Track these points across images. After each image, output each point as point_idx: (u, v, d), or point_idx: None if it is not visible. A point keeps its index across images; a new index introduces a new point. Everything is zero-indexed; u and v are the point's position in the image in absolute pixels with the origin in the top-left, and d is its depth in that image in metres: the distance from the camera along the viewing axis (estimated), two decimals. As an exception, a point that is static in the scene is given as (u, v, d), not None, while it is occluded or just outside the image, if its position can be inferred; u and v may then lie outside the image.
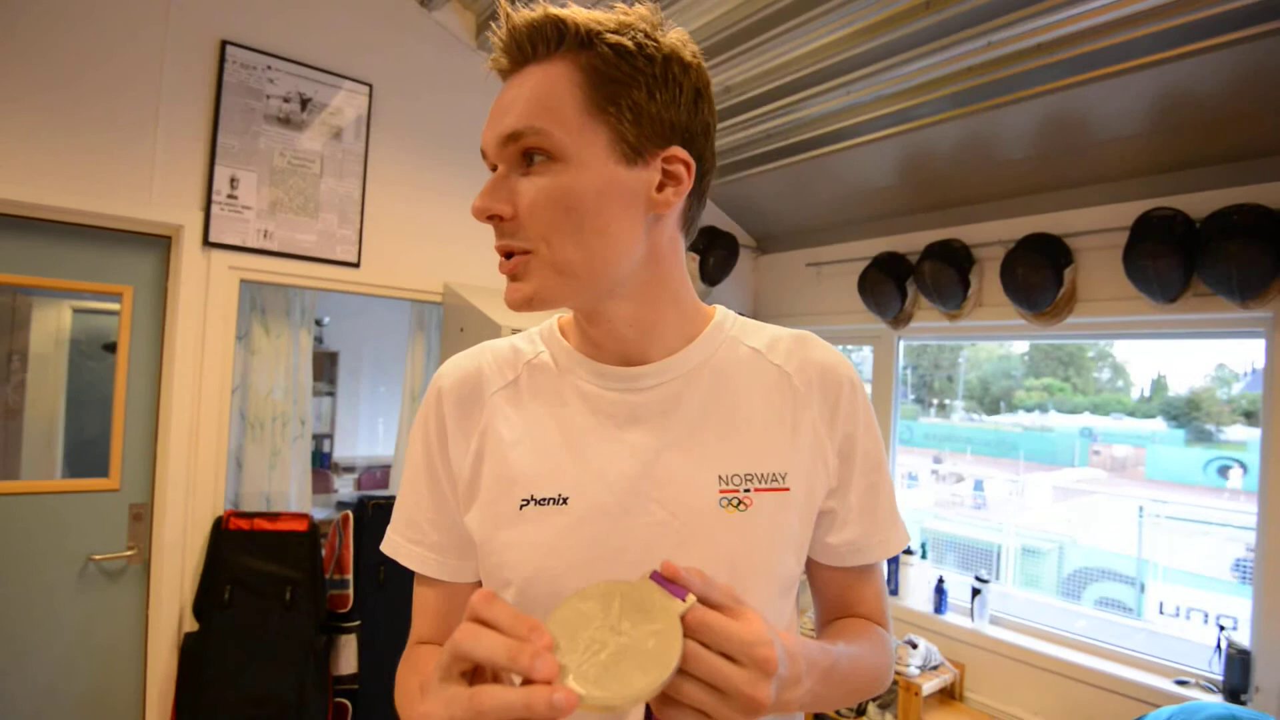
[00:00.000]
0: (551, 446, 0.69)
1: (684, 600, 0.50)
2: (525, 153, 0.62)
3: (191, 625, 2.15)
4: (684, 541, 0.65)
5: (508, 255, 0.64)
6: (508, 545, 0.67)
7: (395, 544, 0.75)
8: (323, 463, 4.08)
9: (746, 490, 0.67)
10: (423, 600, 0.76)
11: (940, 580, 2.89)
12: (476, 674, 0.48)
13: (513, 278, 0.64)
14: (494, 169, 0.65)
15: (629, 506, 0.66)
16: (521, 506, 0.67)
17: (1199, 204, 2.19)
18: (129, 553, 2.14)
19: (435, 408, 0.73)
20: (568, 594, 0.64)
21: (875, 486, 0.75)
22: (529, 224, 0.62)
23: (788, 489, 0.68)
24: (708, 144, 0.67)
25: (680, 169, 0.65)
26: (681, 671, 0.48)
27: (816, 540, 0.74)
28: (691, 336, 0.72)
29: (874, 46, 2.16)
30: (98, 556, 2.10)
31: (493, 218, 0.63)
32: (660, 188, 0.64)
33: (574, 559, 0.65)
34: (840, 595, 0.78)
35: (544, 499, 0.66)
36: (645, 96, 0.62)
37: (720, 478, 0.67)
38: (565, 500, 0.66)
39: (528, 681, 0.44)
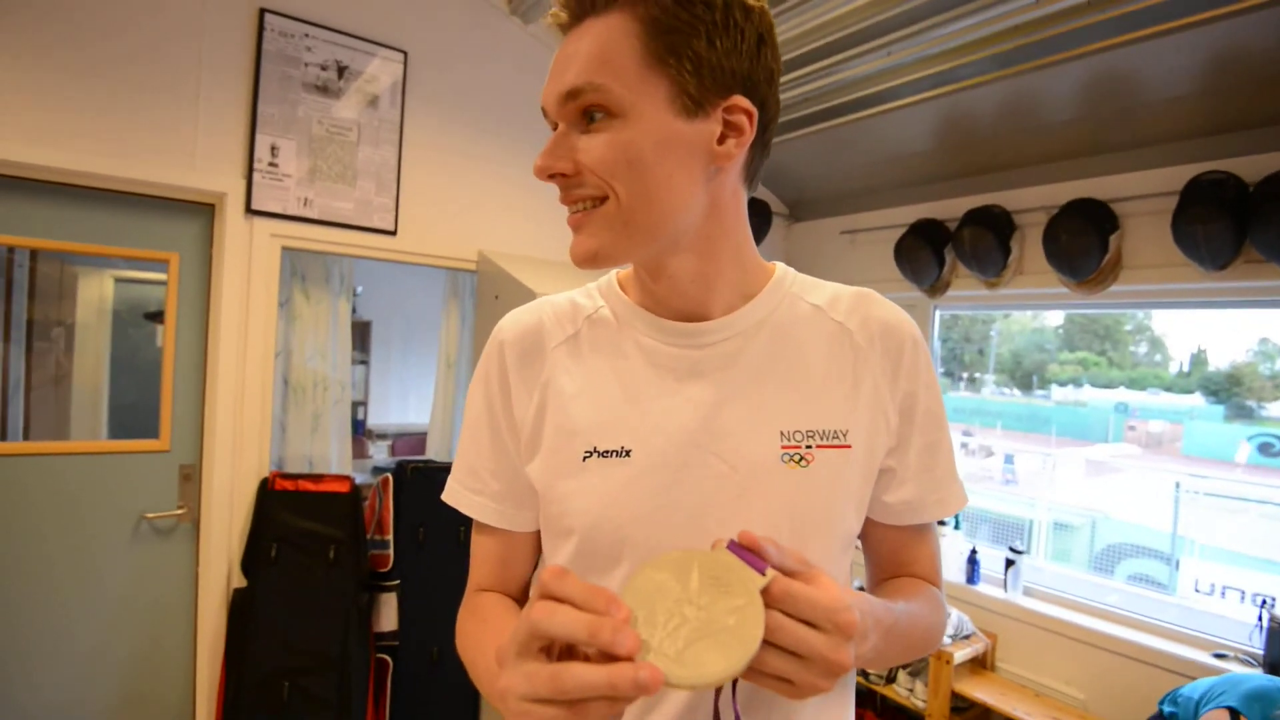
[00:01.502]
0: (613, 400, 0.69)
1: (763, 574, 0.49)
2: (585, 110, 0.61)
3: (240, 581, 2.23)
4: (743, 494, 0.66)
5: (572, 210, 0.65)
6: (571, 495, 0.68)
7: (456, 492, 0.77)
8: (357, 430, 4.16)
9: (809, 447, 0.67)
10: (482, 548, 0.78)
11: (973, 551, 2.89)
12: (555, 649, 0.48)
13: (577, 229, 0.65)
14: (555, 127, 0.65)
15: (689, 459, 0.66)
16: (585, 458, 0.68)
17: (1252, 167, 2.11)
18: (179, 511, 2.22)
19: (497, 360, 0.74)
20: (631, 545, 0.66)
21: (935, 445, 0.74)
22: (590, 180, 0.62)
23: (849, 446, 0.68)
24: (771, 91, 0.66)
25: (742, 119, 0.64)
26: (764, 642, 0.48)
27: (874, 498, 0.74)
28: (752, 293, 0.72)
29: (916, 5, 2.11)
30: (150, 515, 2.18)
31: (555, 176, 0.64)
32: (721, 139, 0.64)
33: (636, 510, 0.66)
34: (894, 554, 0.78)
35: (607, 451, 0.67)
36: (705, 45, 0.61)
37: (783, 433, 0.67)
38: (628, 453, 0.67)
39: (609, 657, 0.44)
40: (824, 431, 0.68)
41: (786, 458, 0.66)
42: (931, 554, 0.78)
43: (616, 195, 0.62)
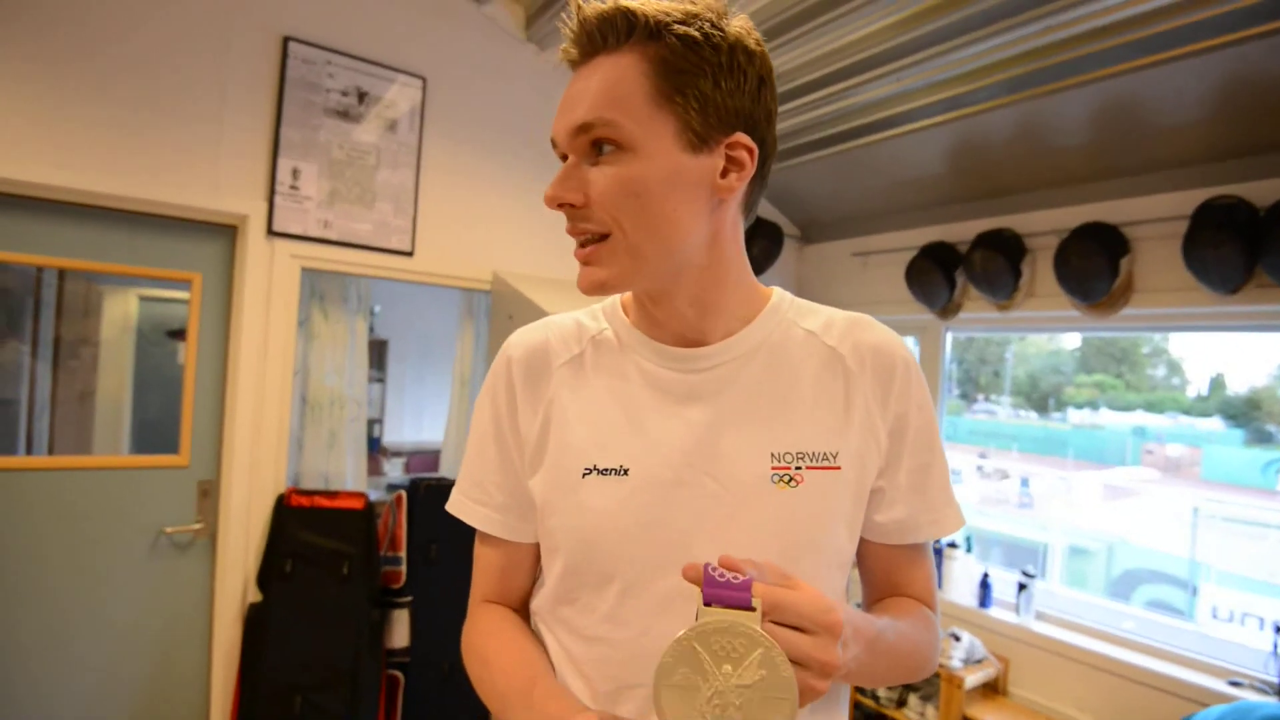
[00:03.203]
0: (613, 420, 0.72)
1: (751, 609, 0.51)
2: (595, 143, 0.65)
3: (255, 596, 2.26)
4: (734, 514, 0.68)
5: (582, 243, 0.68)
6: (569, 510, 0.70)
7: (460, 503, 0.79)
8: (373, 447, 4.20)
9: (798, 468, 0.69)
10: (485, 559, 0.80)
11: (985, 575, 2.87)
12: None
13: (585, 262, 0.68)
14: (563, 158, 0.68)
15: (684, 479, 0.68)
16: (584, 474, 0.70)
17: (1263, 192, 2.12)
18: (197, 526, 2.26)
19: (505, 375, 0.77)
20: (626, 561, 0.67)
21: (927, 466, 0.75)
22: (599, 212, 0.65)
23: (839, 468, 0.70)
24: (769, 129, 0.69)
25: (743, 155, 0.67)
26: None
27: (866, 518, 0.75)
28: (749, 317, 0.75)
29: (927, 31, 2.14)
30: (169, 529, 2.21)
31: (564, 205, 0.67)
32: (724, 174, 0.67)
33: (630, 526, 0.68)
34: (888, 575, 0.79)
35: (606, 469, 0.70)
36: (711, 85, 0.64)
37: (773, 455, 0.69)
38: (626, 471, 0.69)
39: None
40: (814, 453, 0.70)
41: (776, 478, 0.68)
42: (926, 576, 0.79)
43: (622, 230, 0.65)
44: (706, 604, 0.51)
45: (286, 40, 2.28)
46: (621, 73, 0.64)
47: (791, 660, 0.51)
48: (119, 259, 2.15)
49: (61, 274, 2.12)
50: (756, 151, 0.68)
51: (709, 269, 0.71)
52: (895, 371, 0.74)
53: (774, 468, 0.68)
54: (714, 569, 0.52)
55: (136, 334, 2.25)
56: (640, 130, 0.63)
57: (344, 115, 2.40)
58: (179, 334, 2.28)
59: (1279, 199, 2.05)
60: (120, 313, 2.24)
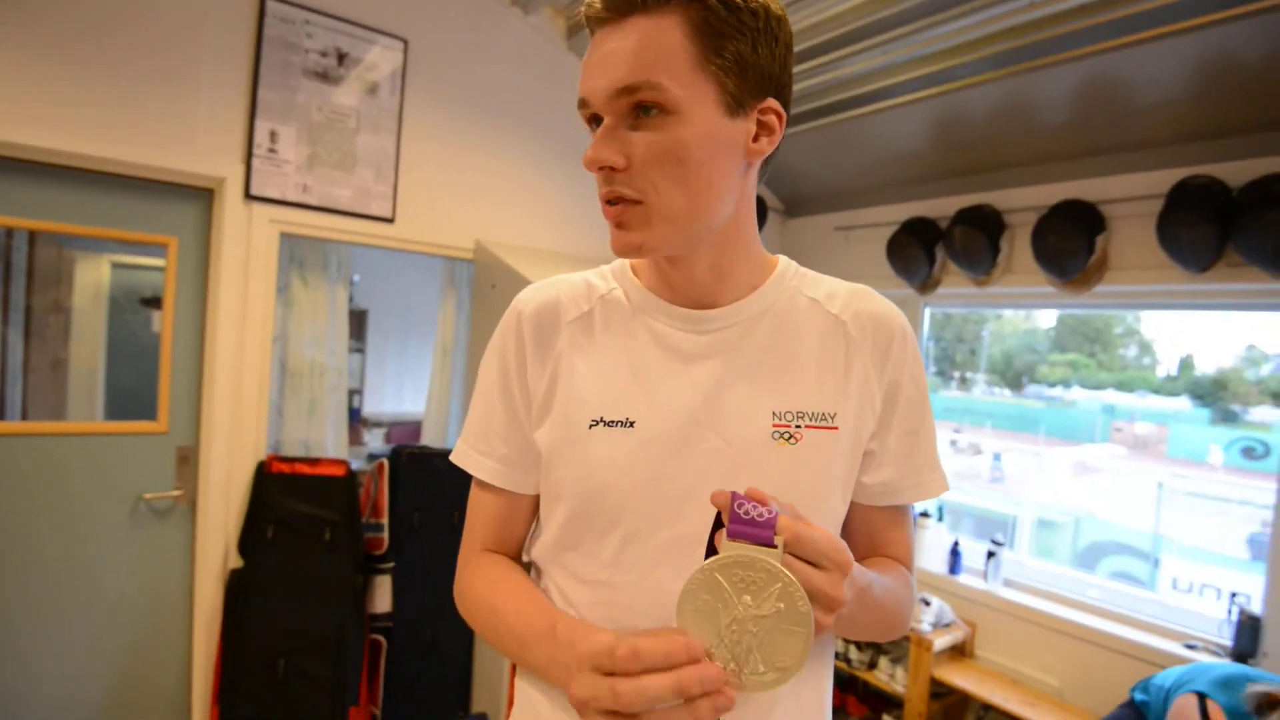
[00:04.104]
0: (621, 375, 0.74)
1: (773, 545, 0.54)
2: (638, 105, 0.64)
3: (236, 562, 2.26)
4: (736, 468, 0.70)
5: (611, 203, 0.67)
6: (575, 460, 0.72)
7: (465, 454, 0.81)
8: (353, 417, 4.18)
9: (798, 426, 0.71)
10: (483, 508, 0.82)
11: (955, 544, 2.94)
12: None
13: (619, 225, 0.68)
14: (590, 118, 0.68)
15: (689, 434, 0.70)
16: (591, 426, 0.72)
17: (1237, 173, 2.16)
18: (176, 493, 2.25)
19: (515, 330, 0.78)
20: (630, 511, 0.70)
21: (915, 433, 0.78)
22: (640, 175, 0.65)
23: (836, 428, 0.73)
24: (790, 96, 0.71)
25: (773, 119, 0.69)
26: None
27: (855, 480, 0.78)
28: (757, 284, 0.77)
29: (912, 5, 2.14)
30: (148, 496, 2.20)
31: (603, 168, 0.66)
32: (755, 138, 0.69)
33: (636, 477, 0.70)
34: (870, 536, 0.82)
35: (612, 421, 0.72)
36: (750, 49, 0.65)
37: (774, 413, 0.71)
38: (632, 424, 0.71)
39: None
40: (813, 413, 0.72)
41: (777, 435, 0.71)
42: (906, 538, 0.83)
43: (659, 194, 0.66)
44: (731, 539, 0.54)
45: (264, -3, 2.22)
46: (663, 34, 0.63)
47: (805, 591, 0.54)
48: (92, 222, 2.10)
49: (32, 239, 2.07)
50: (784, 116, 0.70)
51: (729, 234, 0.73)
52: (894, 340, 0.77)
53: (775, 425, 0.71)
54: (740, 503, 0.54)
55: (109, 301, 2.21)
56: (684, 94, 0.63)
57: (323, 77, 2.36)
58: (152, 301, 2.25)
59: (1252, 180, 2.09)
60: (93, 280, 2.20)
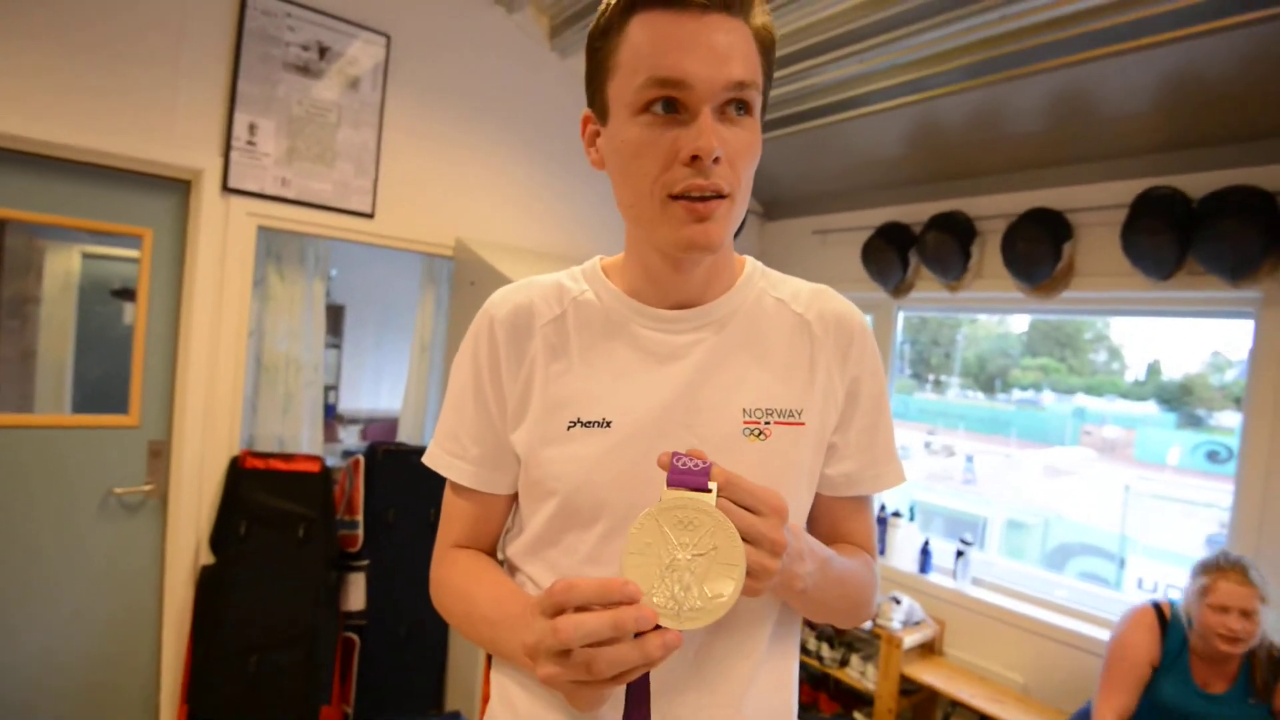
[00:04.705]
0: (597, 375, 0.75)
1: (708, 490, 0.58)
2: (738, 102, 0.66)
3: (208, 559, 2.24)
4: None
5: (704, 196, 0.65)
6: (555, 460, 0.74)
7: (436, 456, 0.82)
8: (328, 414, 4.15)
9: (767, 423, 0.74)
10: (457, 509, 0.83)
11: (926, 543, 3.00)
12: None
13: (701, 219, 0.66)
14: (664, 100, 0.64)
15: (664, 431, 0.73)
16: (569, 427, 0.74)
17: (1198, 184, 2.23)
18: (148, 487, 2.22)
19: (488, 334, 0.79)
20: (610, 507, 0.73)
21: (875, 426, 0.81)
22: (731, 170, 0.66)
23: (803, 424, 0.76)
24: None
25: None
26: None
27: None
28: (730, 284, 0.80)
29: (888, 15, 2.19)
30: (118, 490, 2.18)
31: (713, 159, 0.64)
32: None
33: (614, 474, 0.72)
34: (833, 525, 0.85)
35: (589, 421, 0.73)
36: (770, 64, 0.71)
37: (745, 410, 0.74)
38: (609, 424, 0.73)
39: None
40: (782, 410, 0.75)
41: (748, 432, 0.74)
42: (867, 527, 0.86)
43: (742, 189, 0.69)
44: (670, 487, 0.58)
45: (244, -10, 2.21)
46: (748, 40, 0.66)
47: (744, 538, 0.58)
48: (66, 212, 2.08)
49: (2, 227, 2.04)
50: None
51: None
52: (854, 338, 0.80)
53: (746, 422, 0.74)
54: (679, 458, 0.59)
55: (79, 292, 2.18)
56: (760, 98, 0.69)
57: (304, 70, 2.35)
58: (123, 293, 2.22)
59: (1210, 191, 2.17)
60: (62, 270, 2.17)
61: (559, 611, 0.56)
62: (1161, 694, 1.92)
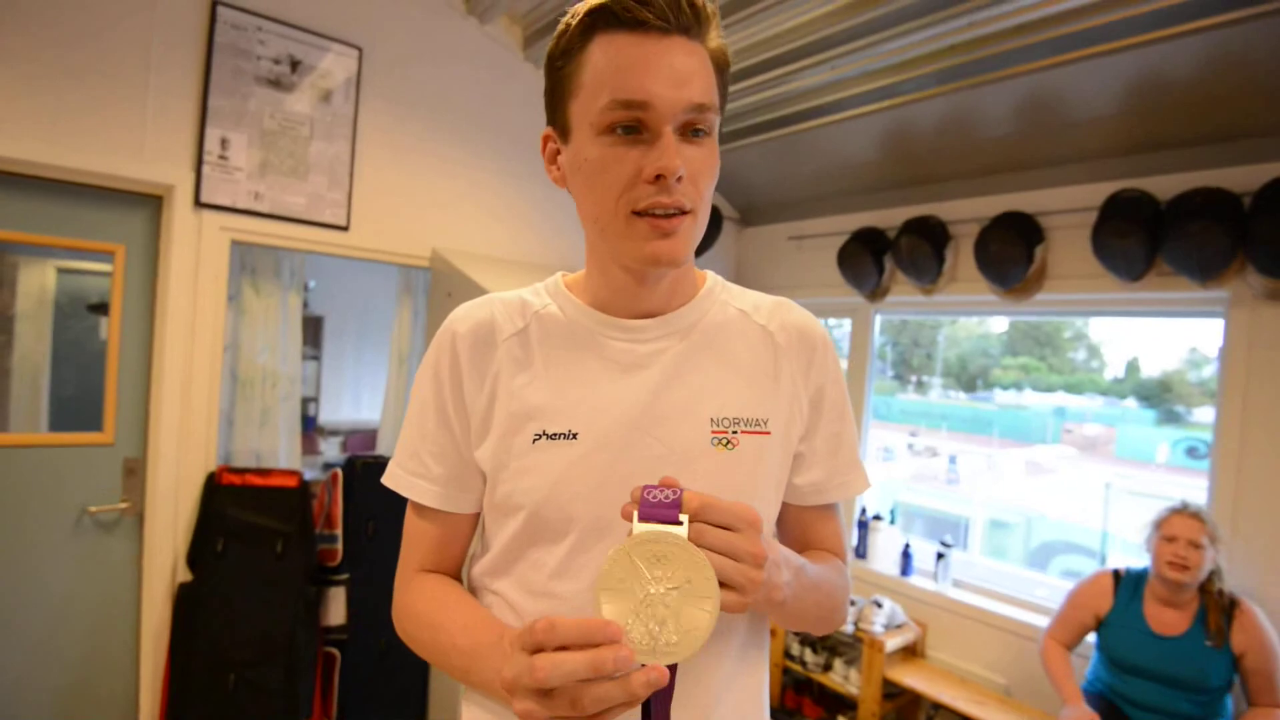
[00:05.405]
0: (562, 388, 0.75)
1: (679, 523, 0.58)
2: (694, 125, 0.68)
3: (185, 576, 2.22)
4: (678, 473, 0.71)
5: (669, 213, 0.68)
6: (521, 474, 0.74)
7: (396, 476, 0.81)
8: (308, 426, 4.12)
9: (734, 432, 0.75)
10: (420, 530, 0.82)
11: (907, 545, 3.01)
12: None
13: (665, 235, 0.68)
14: (627, 122, 0.66)
15: (631, 441, 0.73)
16: (535, 440, 0.73)
17: (1167, 186, 2.27)
18: (123, 505, 2.20)
19: (450, 350, 0.78)
20: (578, 520, 0.73)
21: (839, 434, 0.83)
22: (693, 187, 0.69)
23: (769, 433, 0.76)
24: None
25: None
26: None
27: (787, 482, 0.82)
28: (691, 295, 0.81)
29: (859, 22, 2.21)
30: (93, 509, 2.15)
31: (676, 178, 0.67)
32: None
33: (582, 486, 0.72)
34: (803, 533, 0.86)
35: (555, 434, 0.73)
36: (725, 87, 0.73)
37: (712, 420, 0.75)
38: (575, 435, 0.73)
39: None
40: (748, 419, 0.76)
41: (715, 441, 0.74)
42: (836, 532, 0.87)
43: (703, 206, 0.71)
44: (642, 520, 0.58)
45: (215, 3, 2.20)
46: (706, 63, 0.69)
47: (726, 554, 0.58)
48: (37, 229, 2.06)
49: (-28, 243, 2.02)
50: None
51: None
52: (816, 348, 0.82)
53: (713, 431, 0.74)
54: (649, 491, 0.60)
55: (54, 308, 2.16)
56: (717, 120, 0.71)
57: (276, 84, 2.34)
58: (100, 308, 2.20)
59: (1178, 194, 2.20)
60: (36, 285, 2.14)
61: (538, 649, 0.55)
62: (1114, 649, 2.06)
